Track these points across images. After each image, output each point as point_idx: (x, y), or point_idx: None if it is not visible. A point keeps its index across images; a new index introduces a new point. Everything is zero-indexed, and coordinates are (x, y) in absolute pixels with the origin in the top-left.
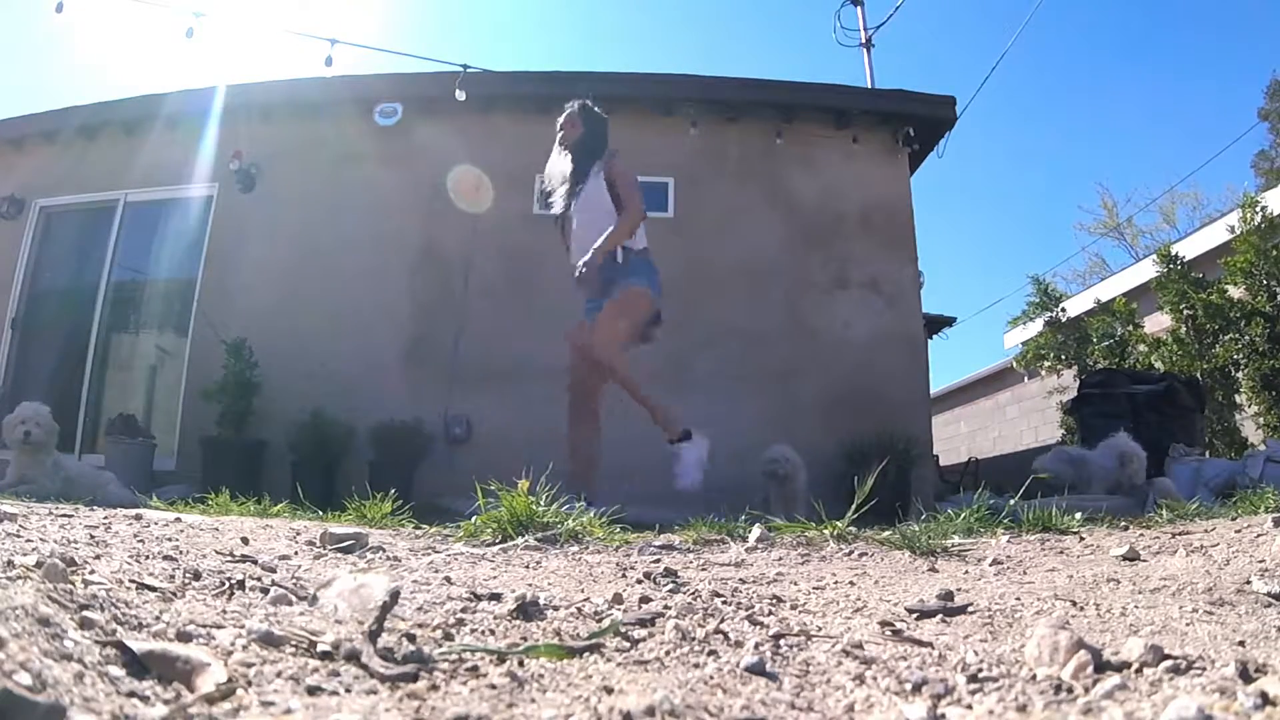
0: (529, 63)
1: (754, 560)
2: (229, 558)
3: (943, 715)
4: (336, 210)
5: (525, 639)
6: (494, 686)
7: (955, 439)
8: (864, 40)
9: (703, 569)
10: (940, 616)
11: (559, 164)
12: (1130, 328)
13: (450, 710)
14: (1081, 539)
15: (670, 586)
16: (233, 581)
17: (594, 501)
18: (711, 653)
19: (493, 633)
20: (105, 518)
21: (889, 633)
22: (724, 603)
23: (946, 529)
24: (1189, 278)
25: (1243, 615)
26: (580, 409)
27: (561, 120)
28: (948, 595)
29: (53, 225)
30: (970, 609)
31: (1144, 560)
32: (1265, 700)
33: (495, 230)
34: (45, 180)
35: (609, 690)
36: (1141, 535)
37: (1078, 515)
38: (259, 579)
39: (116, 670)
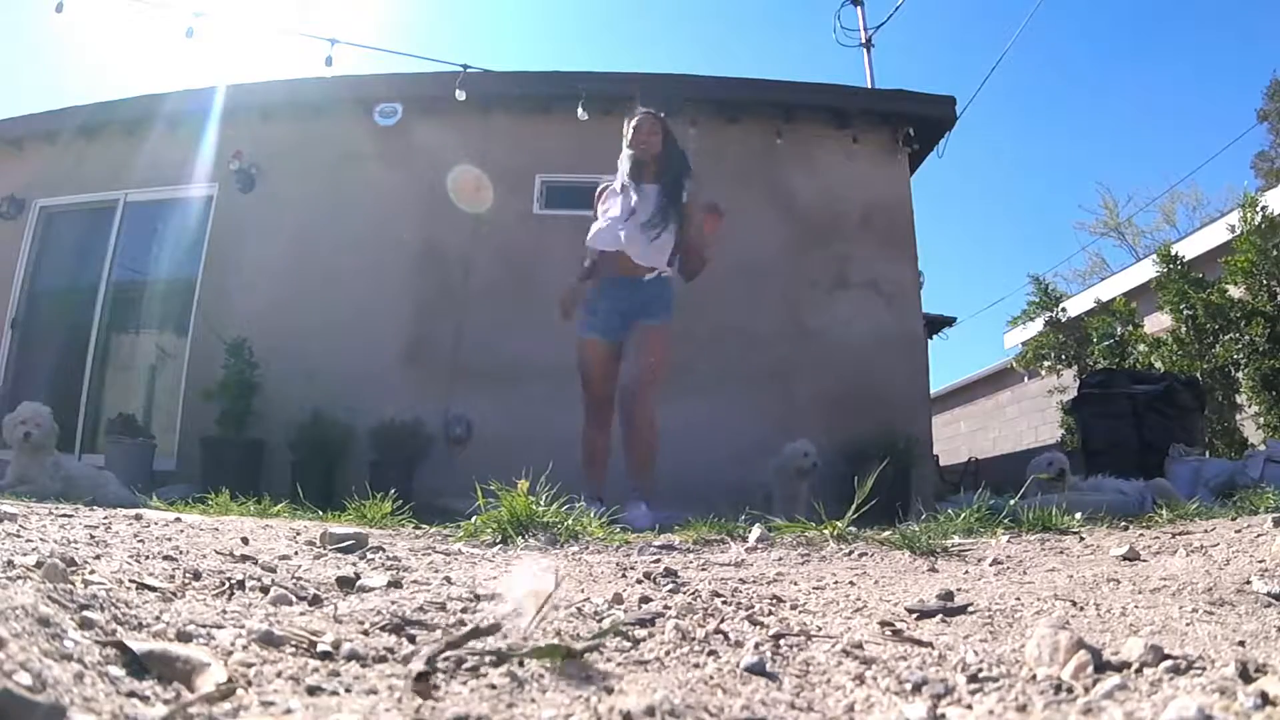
0: (529, 63)
1: (754, 560)
2: (229, 558)
3: (943, 715)
4: (336, 210)
5: (525, 639)
6: (494, 686)
7: (955, 439)
8: (864, 40)
9: (703, 569)
10: (940, 616)
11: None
12: (1130, 328)
13: (450, 710)
14: (1081, 539)
15: (670, 586)
16: (233, 581)
17: (602, 500)
18: (711, 653)
19: None
20: (105, 518)
21: (889, 633)
22: (724, 603)
23: (946, 529)
24: (1189, 278)
25: (1243, 615)
26: (603, 411)
27: (642, 126)
28: (948, 595)
29: (53, 225)
30: (970, 609)
31: (1144, 560)
32: (1265, 700)
33: (495, 230)
34: (45, 180)
35: (609, 690)
36: (1141, 535)
37: (1078, 515)
38: (259, 579)
39: (116, 670)
